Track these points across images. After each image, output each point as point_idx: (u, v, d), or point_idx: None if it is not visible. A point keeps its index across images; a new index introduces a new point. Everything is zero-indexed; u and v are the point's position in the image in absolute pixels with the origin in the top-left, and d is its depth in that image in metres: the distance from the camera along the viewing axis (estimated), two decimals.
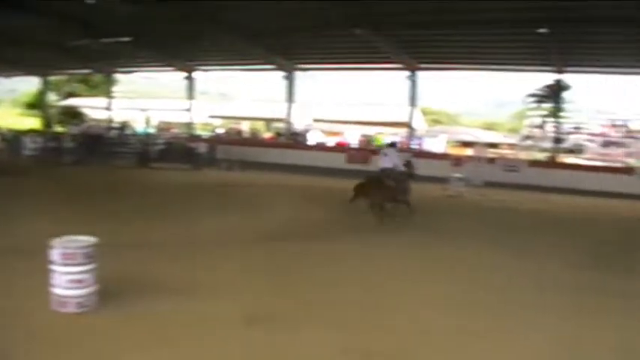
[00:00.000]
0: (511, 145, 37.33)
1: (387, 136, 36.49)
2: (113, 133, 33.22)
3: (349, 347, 5.62)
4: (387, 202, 14.37)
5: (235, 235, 11.07)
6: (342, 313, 6.67)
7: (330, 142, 36.48)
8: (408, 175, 15.46)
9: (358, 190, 14.32)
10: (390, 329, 6.23)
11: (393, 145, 17.63)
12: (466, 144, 37.50)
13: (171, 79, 47.46)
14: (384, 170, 14.95)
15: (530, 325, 6.62)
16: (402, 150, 17.19)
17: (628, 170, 27.20)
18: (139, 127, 38.63)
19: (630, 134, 31.18)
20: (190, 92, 36.47)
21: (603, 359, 5.84)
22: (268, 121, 40.63)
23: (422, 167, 26.02)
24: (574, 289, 8.29)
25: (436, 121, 57.19)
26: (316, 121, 38.25)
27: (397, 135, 35.84)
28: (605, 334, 6.40)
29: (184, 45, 30.70)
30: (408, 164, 15.87)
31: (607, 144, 31.03)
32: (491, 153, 31.95)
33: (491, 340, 6.11)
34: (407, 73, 31.16)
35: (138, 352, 5.41)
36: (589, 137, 31.75)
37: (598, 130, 32.26)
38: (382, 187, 14.13)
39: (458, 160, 27.60)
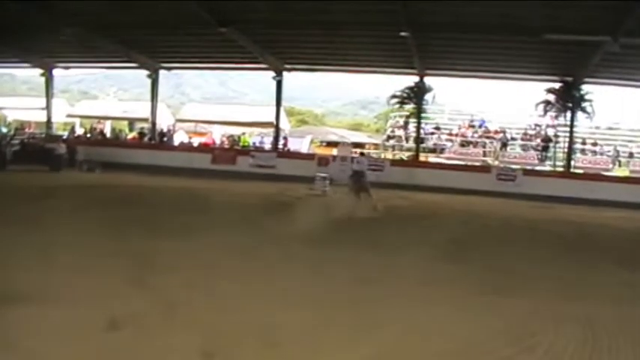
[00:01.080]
0: (376, 145, 38.14)
1: (252, 136, 36.47)
2: None
3: (209, 350, 5.44)
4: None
5: (92, 236, 10.55)
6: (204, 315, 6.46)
7: (196, 142, 35.93)
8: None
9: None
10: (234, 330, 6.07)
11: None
12: (331, 144, 38.00)
13: (29, 75, 45.42)
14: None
15: (384, 316, 6.66)
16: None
17: (485, 169, 28.49)
18: None
19: (487, 134, 32.56)
20: (48, 90, 34.76)
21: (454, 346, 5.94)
22: (132, 120, 39.43)
23: (288, 167, 26.40)
24: (421, 282, 8.46)
25: (302, 122, 57.79)
26: (181, 120, 37.51)
27: (262, 135, 35.96)
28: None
29: (40, 40, 29.17)
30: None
31: (465, 144, 32.27)
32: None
33: (346, 331, 6.09)
34: (272, 73, 31.16)
35: None
36: (449, 137, 32.91)
37: (457, 130, 33.46)
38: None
39: (322, 160, 27.88)
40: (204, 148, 33.05)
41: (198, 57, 32.01)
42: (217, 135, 37.14)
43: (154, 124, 33.48)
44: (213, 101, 56.87)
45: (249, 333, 5.88)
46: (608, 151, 31.31)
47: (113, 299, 6.69)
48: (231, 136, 37.04)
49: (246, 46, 28.06)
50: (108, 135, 37.06)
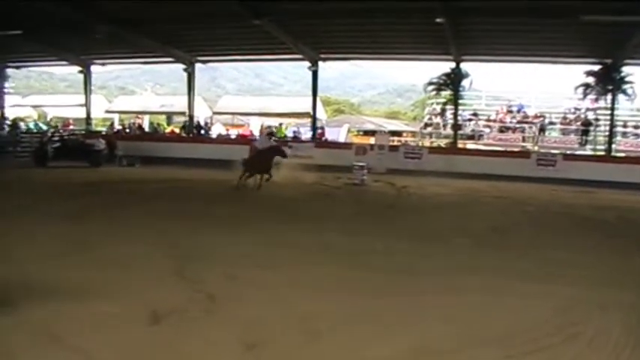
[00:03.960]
0: (413, 133, 37.99)
1: (291, 126, 36.56)
2: (5, 131, 31.87)
3: (250, 342, 5.49)
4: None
5: (133, 230, 10.70)
6: (244, 307, 6.52)
7: (233, 134, 36.13)
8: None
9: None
10: (274, 321, 6.10)
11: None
12: (369, 133, 37.93)
13: (67, 73, 46.06)
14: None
15: (424, 306, 6.67)
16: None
17: (524, 154, 28.19)
18: (34, 124, 37.28)
19: (525, 119, 32.18)
20: (86, 87, 35.23)
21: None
22: (169, 114, 39.80)
23: (326, 157, 26.40)
24: (460, 270, 8.45)
25: (338, 111, 57.75)
26: (218, 113, 37.75)
27: (299, 125, 36.05)
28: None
29: (76, 38, 29.48)
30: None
31: (504, 129, 31.96)
32: (393, 141, 32.45)
33: (385, 321, 6.09)
34: (308, 63, 31.16)
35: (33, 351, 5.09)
36: (487, 123, 32.60)
37: (495, 116, 33.14)
38: None
39: (360, 149, 27.87)
40: (241, 139, 33.21)
41: (233, 49, 32.08)
42: (254, 126, 37.29)
43: (191, 117, 33.74)
44: (249, 93, 57.16)
45: (289, 323, 5.96)
46: None
47: (154, 293, 6.84)
48: (269, 127, 37.20)
49: (280, 37, 28.06)
50: (146, 129, 37.44)
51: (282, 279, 7.61)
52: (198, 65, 33.59)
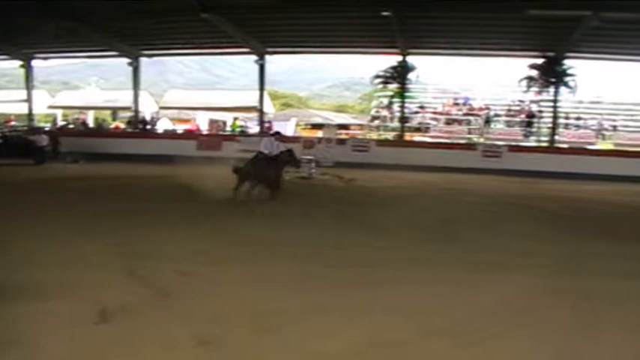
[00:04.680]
0: (360, 126, 38.15)
1: (240, 121, 36.35)
2: None
3: (204, 338, 5.45)
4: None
5: (83, 229, 10.49)
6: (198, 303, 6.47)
7: (180, 129, 35.77)
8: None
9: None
10: (229, 317, 6.07)
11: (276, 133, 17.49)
12: (317, 126, 37.95)
13: (8, 68, 44.91)
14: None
15: (377, 299, 6.70)
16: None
17: (470, 146, 28.61)
18: None
19: (471, 112, 32.64)
20: (28, 82, 34.39)
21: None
22: (114, 110, 39.09)
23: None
24: (413, 262, 8.55)
25: (286, 105, 57.67)
26: (164, 108, 37.27)
27: (246, 119, 35.88)
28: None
29: (18, 31, 28.71)
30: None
31: (450, 122, 32.37)
32: (341, 134, 32.56)
33: (339, 316, 6.10)
34: (255, 57, 31.03)
35: None
36: (433, 116, 32.97)
37: (442, 108, 33.54)
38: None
39: (308, 142, 27.87)
40: (188, 134, 32.93)
41: (179, 43, 31.75)
42: (202, 121, 36.98)
43: (136, 112, 33.27)
44: (196, 87, 56.63)
45: (242, 319, 5.90)
46: (592, 125, 31.50)
47: (105, 291, 6.69)
48: (217, 121, 36.92)
49: (227, 31, 27.87)
50: (90, 125, 36.76)
51: (236, 275, 7.55)
52: (143, 59, 33.08)
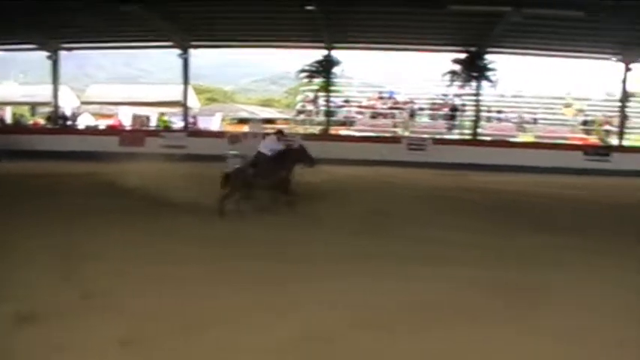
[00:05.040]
0: (287, 121, 38.03)
1: (166, 116, 35.78)
2: None
3: (128, 338, 5.32)
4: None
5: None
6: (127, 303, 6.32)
7: (103, 124, 34.94)
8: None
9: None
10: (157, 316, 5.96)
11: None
12: (242, 121, 37.66)
13: None
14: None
15: (306, 294, 6.69)
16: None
17: (395, 139, 28.88)
18: None
19: (396, 105, 32.96)
20: None
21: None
22: (33, 105, 37.83)
23: (199, 146, 26.01)
24: (343, 257, 8.59)
25: (212, 100, 57.09)
26: (86, 103, 36.31)
27: (170, 115, 35.35)
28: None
29: None
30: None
31: (375, 115, 32.61)
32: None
33: (268, 312, 6.06)
34: (179, 51, 30.55)
35: None
36: (359, 109, 33.15)
37: (367, 102, 33.75)
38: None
39: (233, 137, 27.56)
40: (111, 130, 32.19)
41: (100, 36, 30.90)
42: (125, 116, 36.21)
43: (56, 107, 32.31)
44: (118, 81, 55.42)
45: (175, 318, 5.86)
46: (513, 118, 32.26)
47: (37, 293, 6.56)
48: (140, 117, 36.23)
49: (150, 24, 27.31)
50: (8, 121, 35.52)
51: (172, 274, 7.43)
52: (63, 53, 32.12)
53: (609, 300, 6.79)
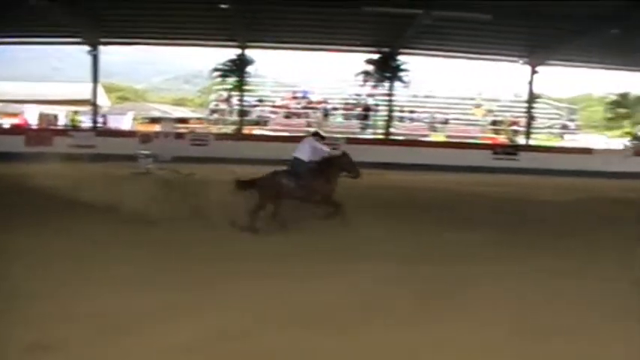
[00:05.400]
0: (200, 120, 37.63)
1: (69, 115, 34.81)
2: None
3: (37, 342, 5.08)
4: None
5: None
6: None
7: (7, 123, 33.62)
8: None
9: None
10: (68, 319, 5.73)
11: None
12: (154, 120, 37.06)
13: None
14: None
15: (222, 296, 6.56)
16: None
17: None
18: None
19: (310, 105, 33.04)
20: None
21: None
22: None
23: (109, 146, 25.36)
24: (256, 257, 8.52)
25: (123, 98, 55.98)
26: None
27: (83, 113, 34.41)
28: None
29: None
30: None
31: (289, 115, 32.59)
32: (179, 128, 31.91)
33: (180, 314, 5.92)
34: (88, 47, 29.69)
35: None
36: (272, 109, 33.08)
37: (280, 102, 33.71)
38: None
39: (145, 137, 27.03)
40: (16, 129, 30.99)
41: (6, 31, 29.72)
42: (31, 115, 34.93)
43: None
44: (24, 79, 53.58)
45: (89, 320, 5.71)
46: (425, 118, 32.83)
47: None
48: (47, 115, 35.05)
49: (59, 19, 26.43)
50: None
51: (85, 275, 7.27)
52: None
53: (528, 290, 7.14)
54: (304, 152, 11.44)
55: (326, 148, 11.71)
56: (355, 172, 11.43)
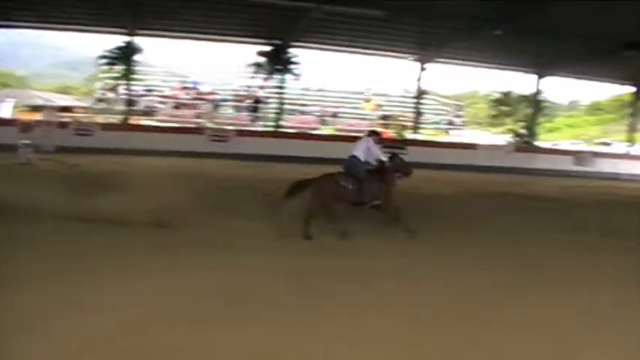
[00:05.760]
0: (85, 109, 36.47)
1: None
2: None
3: None
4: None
5: None
6: None
7: None
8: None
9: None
10: None
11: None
12: (36, 108, 35.64)
13: None
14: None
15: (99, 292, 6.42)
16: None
17: (198, 130, 28.55)
18: None
19: (200, 96, 32.68)
20: None
21: None
22: None
23: None
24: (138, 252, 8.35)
25: (3, 85, 53.62)
26: None
27: None
28: None
29: None
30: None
31: (178, 106, 32.13)
32: (63, 117, 30.81)
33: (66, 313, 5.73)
34: None
35: None
36: (161, 99, 32.51)
37: (170, 92, 33.18)
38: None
39: (25, 126, 25.94)
40: None
41: None
42: None
43: None
44: None
45: None
46: (316, 112, 33.11)
47: None
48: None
49: None
50: None
51: None
52: None
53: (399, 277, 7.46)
54: (360, 152, 10.73)
55: (380, 152, 10.85)
56: (409, 172, 11.05)
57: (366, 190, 10.33)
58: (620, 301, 6.88)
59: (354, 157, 10.65)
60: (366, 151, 10.66)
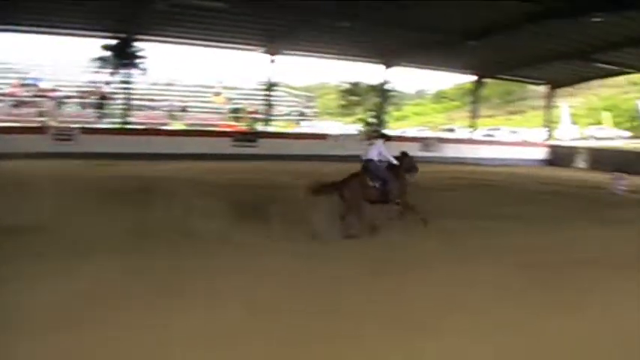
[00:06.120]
0: None
1: None
2: None
3: None
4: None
5: None
6: None
7: None
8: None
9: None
10: None
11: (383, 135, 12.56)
12: None
13: None
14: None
15: None
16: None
17: (40, 129, 27.12)
18: None
19: (41, 93, 31.29)
20: None
21: None
22: None
23: None
24: None
25: None
26: None
27: None
28: None
29: None
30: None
31: (18, 104, 30.59)
32: None
33: None
34: None
35: None
36: None
37: (8, 90, 31.56)
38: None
39: None
40: None
41: None
42: None
43: None
44: None
45: None
46: (165, 107, 32.53)
47: None
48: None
49: None
50: None
51: None
52: None
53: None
54: (375, 155, 11.42)
55: (389, 154, 11.58)
56: (416, 171, 12.06)
57: (391, 190, 11.14)
58: None
59: (371, 160, 11.39)
60: (379, 154, 11.41)
